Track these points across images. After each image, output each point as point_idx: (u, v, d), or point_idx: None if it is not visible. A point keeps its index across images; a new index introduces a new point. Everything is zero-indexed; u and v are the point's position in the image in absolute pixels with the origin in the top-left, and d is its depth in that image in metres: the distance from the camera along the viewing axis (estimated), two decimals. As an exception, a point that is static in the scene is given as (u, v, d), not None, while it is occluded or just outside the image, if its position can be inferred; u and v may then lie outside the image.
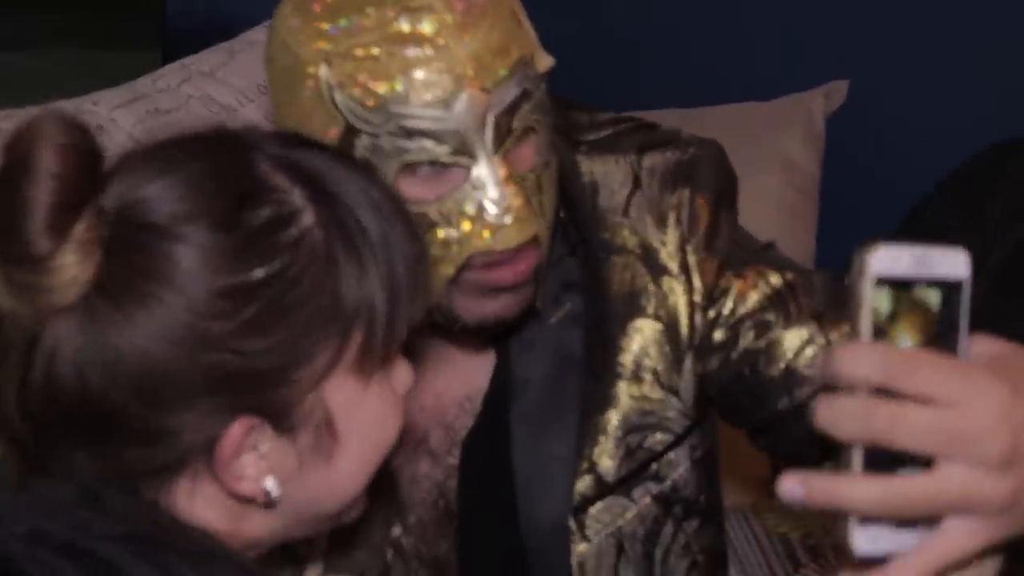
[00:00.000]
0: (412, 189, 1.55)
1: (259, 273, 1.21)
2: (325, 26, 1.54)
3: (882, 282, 1.02)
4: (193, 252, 1.20)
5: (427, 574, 1.76)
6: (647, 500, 1.76)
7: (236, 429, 1.24)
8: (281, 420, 1.26)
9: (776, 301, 1.73)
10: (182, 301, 1.20)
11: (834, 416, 1.00)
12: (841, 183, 2.95)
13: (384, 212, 1.30)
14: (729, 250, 1.75)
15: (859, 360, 1.00)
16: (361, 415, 1.30)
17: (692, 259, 1.73)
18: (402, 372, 1.36)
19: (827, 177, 2.95)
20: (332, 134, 1.55)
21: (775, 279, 1.74)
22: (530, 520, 1.72)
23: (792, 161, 2.87)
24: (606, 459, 1.73)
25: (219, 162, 1.26)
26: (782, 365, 1.72)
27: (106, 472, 1.25)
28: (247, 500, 1.29)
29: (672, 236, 1.73)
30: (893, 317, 1.03)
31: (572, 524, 1.73)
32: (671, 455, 1.76)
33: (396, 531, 1.75)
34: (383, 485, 1.71)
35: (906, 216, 2.43)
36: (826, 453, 1.67)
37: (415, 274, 1.30)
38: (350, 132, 1.54)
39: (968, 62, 2.87)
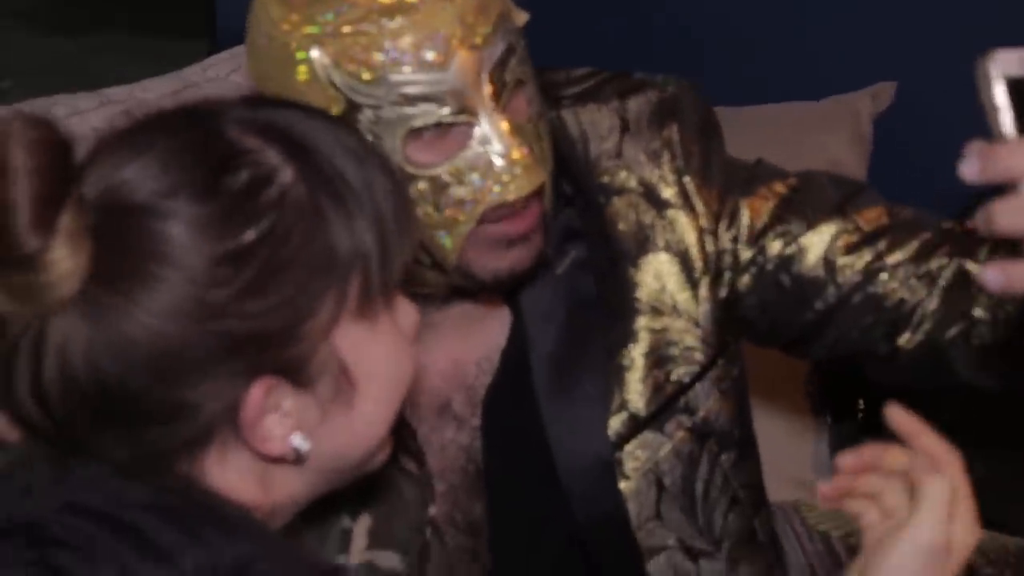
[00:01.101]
0: (420, 154, 1.60)
1: (250, 235, 1.23)
2: (308, 10, 1.58)
3: (1007, 82, 1.08)
4: (181, 225, 1.22)
5: (464, 540, 1.79)
6: (681, 434, 1.79)
7: (256, 391, 1.26)
8: (298, 375, 1.28)
9: (790, 207, 1.77)
10: (180, 275, 1.21)
11: (1015, 213, 1.08)
12: (887, 185, 2.93)
13: (359, 155, 1.32)
14: (726, 176, 1.79)
15: (1020, 154, 1.07)
16: (373, 357, 1.32)
17: (691, 189, 1.77)
18: (406, 312, 1.38)
19: (873, 179, 2.95)
20: (333, 113, 1.57)
21: (780, 187, 1.79)
22: (569, 465, 1.75)
23: (838, 161, 2.86)
24: (635, 395, 1.76)
25: (190, 135, 1.27)
26: (820, 259, 1.75)
27: (136, 452, 1.27)
28: (277, 460, 1.31)
29: (668, 170, 1.77)
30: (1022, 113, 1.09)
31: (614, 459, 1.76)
32: (699, 387, 1.79)
33: (432, 510, 1.77)
34: (414, 464, 1.73)
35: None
36: (890, 331, 1.72)
37: (399, 212, 1.32)
38: (352, 109, 1.58)
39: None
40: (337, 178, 1.29)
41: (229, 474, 1.30)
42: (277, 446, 1.29)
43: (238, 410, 1.26)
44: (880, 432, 2.71)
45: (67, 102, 2.59)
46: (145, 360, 1.23)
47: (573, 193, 1.78)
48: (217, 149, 1.27)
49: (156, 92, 2.65)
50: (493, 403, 1.77)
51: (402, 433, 1.72)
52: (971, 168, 1.11)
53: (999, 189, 1.11)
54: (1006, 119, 1.09)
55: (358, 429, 1.33)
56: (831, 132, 2.92)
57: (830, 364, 2.03)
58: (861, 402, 2.77)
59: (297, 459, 1.30)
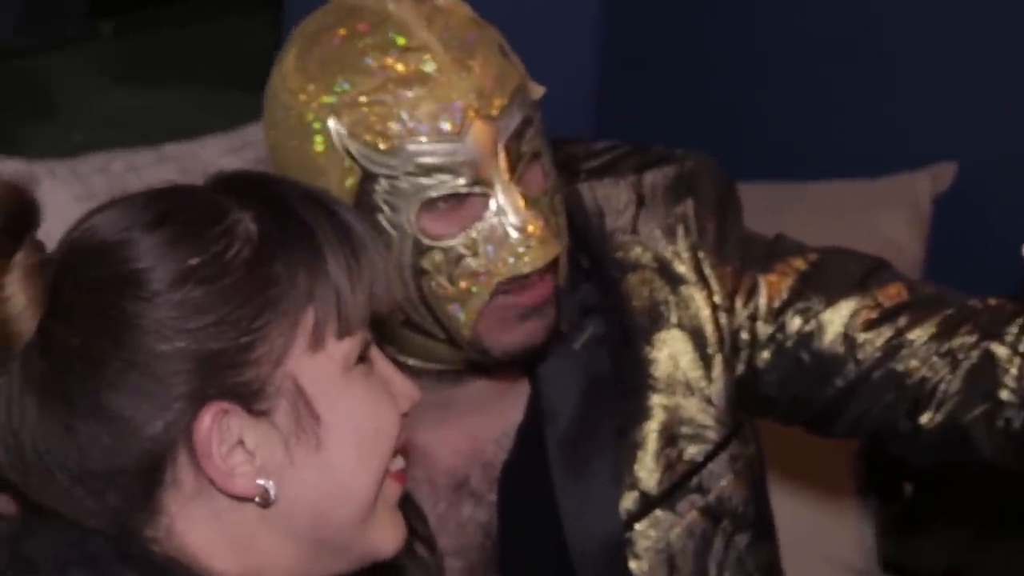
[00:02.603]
0: (435, 225, 1.60)
1: (194, 260, 1.28)
2: (325, 81, 1.60)
3: None
4: (135, 250, 1.29)
5: None
6: (693, 514, 1.78)
7: (206, 415, 1.27)
8: (251, 400, 1.29)
9: (810, 283, 1.76)
10: (133, 295, 1.28)
11: None
12: (946, 267, 2.92)
13: (323, 207, 1.35)
14: (743, 251, 1.78)
15: None
16: (345, 402, 1.32)
17: (706, 265, 1.76)
18: (400, 385, 1.38)
19: (932, 261, 2.93)
20: (349, 184, 1.60)
21: (799, 263, 1.77)
22: (580, 543, 1.74)
23: (894, 242, 2.83)
24: (647, 474, 1.75)
25: (160, 188, 1.35)
26: (839, 335, 1.74)
27: (91, 467, 1.29)
28: (244, 499, 1.30)
29: (683, 246, 1.77)
30: None
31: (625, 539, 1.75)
32: (711, 466, 1.78)
33: None
34: (425, 549, 1.72)
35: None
36: (911, 409, 1.70)
37: (358, 260, 1.33)
38: (368, 179, 1.59)
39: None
40: (294, 222, 1.32)
41: (196, 527, 1.31)
42: (242, 483, 1.29)
43: (191, 437, 1.28)
44: (926, 515, 2.70)
45: (125, 157, 2.62)
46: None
47: (590, 267, 1.77)
48: (176, 192, 1.34)
49: (214, 149, 2.68)
50: (509, 480, 1.76)
51: (412, 516, 1.71)
52: None
53: None
54: None
55: (334, 480, 1.32)
56: (888, 212, 2.89)
57: (853, 440, 2.01)
58: (908, 486, 2.75)
59: (264, 501, 1.30)
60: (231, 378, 1.28)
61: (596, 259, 1.78)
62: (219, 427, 1.28)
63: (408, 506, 1.68)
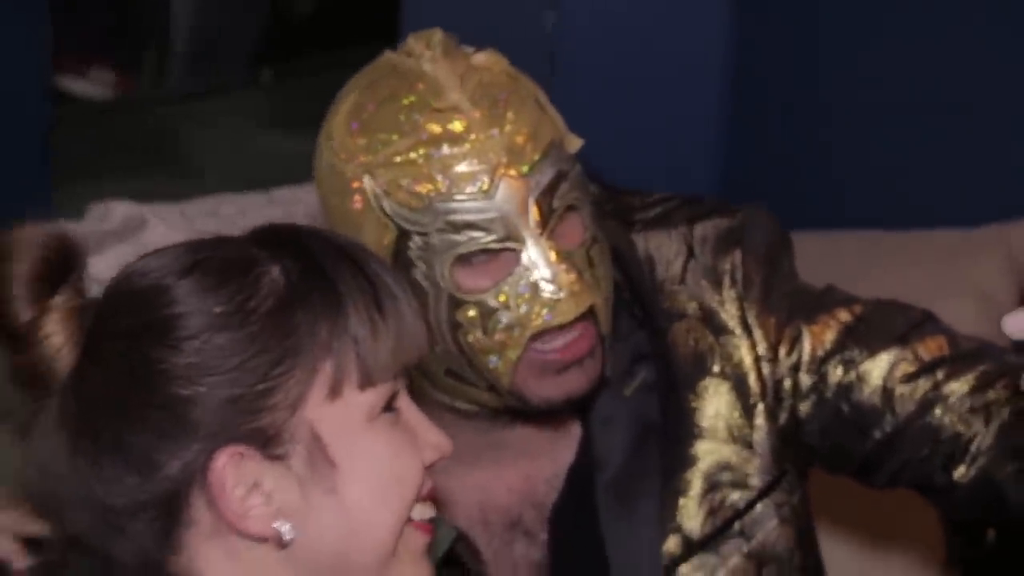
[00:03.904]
0: (468, 280, 1.65)
1: (218, 308, 1.33)
2: (363, 140, 1.65)
3: None
4: (172, 298, 1.34)
5: None
6: (737, 559, 1.80)
7: (221, 458, 1.33)
8: (268, 445, 1.33)
9: (853, 335, 1.78)
10: (163, 340, 1.34)
11: None
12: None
13: (350, 258, 1.39)
14: (789, 302, 1.80)
15: None
16: (364, 450, 1.36)
17: (751, 316, 1.80)
18: (427, 435, 1.41)
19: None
20: (386, 242, 1.65)
21: (844, 315, 1.79)
22: None
23: (987, 293, 2.82)
24: (690, 518, 1.79)
25: (200, 239, 1.41)
26: (878, 388, 1.75)
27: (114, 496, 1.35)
28: (259, 540, 1.34)
29: (729, 296, 1.80)
30: None
31: None
32: (756, 512, 1.80)
33: None
34: None
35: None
36: (946, 463, 1.71)
37: (382, 314, 1.37)
38: (402, 236, 1.64)
39: None
40: (318, 275, 1.36)
41: (217, 569, 1.36)
42: (254, 525, 1.34)
43: (207, 479, 1.33)
44: (1011, 563, 2.67)
45: (235, 201, 2.69)
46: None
47: (643, 316, 1.81)
48: (213, 243, 1.39)
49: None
50: (559, 520, 1.80)
51: (467, 555, 1.77)
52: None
53: None
54: None
55: (352, 523, 1.36)
56: (981, 263, 2.88)
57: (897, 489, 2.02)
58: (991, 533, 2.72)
59: (281, 544, 1.34)
60: (248, 423, 1.33)
61: (647, 308, 1.81)
62: (235, 470, 1.33)
63: (463, 545, 1.75)
